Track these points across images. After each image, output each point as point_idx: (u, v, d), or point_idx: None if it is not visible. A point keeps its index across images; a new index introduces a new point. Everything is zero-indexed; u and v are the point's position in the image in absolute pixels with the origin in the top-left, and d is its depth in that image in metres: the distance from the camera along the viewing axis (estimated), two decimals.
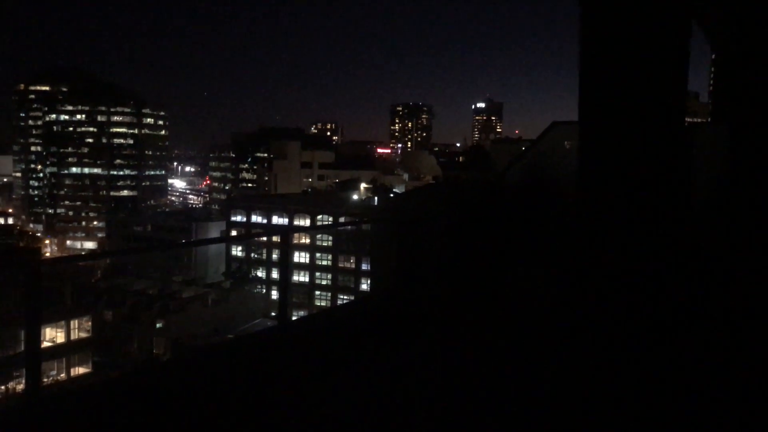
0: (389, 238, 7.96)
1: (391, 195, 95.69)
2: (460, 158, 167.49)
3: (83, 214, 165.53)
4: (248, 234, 36.55)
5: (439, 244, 7.55)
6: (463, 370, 5.74)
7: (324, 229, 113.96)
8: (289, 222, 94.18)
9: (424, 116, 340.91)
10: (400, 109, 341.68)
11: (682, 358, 5.98)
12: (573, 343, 6.28)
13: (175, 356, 52.79)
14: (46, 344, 45.96)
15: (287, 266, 7.05)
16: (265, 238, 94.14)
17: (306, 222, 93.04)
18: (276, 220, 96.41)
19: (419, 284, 7.65)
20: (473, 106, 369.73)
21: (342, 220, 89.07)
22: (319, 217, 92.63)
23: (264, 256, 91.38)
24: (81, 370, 52.06)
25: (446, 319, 7.16)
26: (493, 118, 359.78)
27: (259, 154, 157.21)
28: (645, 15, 6.72)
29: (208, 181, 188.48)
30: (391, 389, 5.30)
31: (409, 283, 7.72)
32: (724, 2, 11.16)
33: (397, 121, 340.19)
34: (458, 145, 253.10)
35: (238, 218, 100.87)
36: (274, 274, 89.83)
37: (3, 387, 46.27)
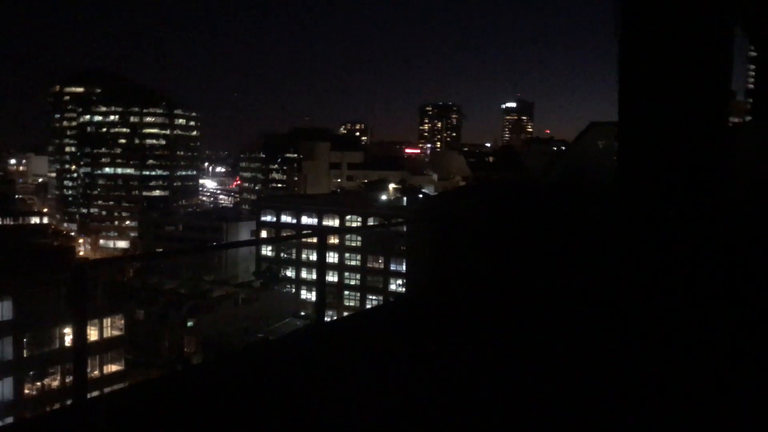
0: (425, 240, 7.94)
1: (422, 195, 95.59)
2: (490, 158, 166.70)
3: (116, 214, 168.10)
4: (283, 236, 36.96)
5: (477, 246, 7.50)
6: (499, 374, 5.70)
7: (360, 229, 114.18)
8: (318, 222, 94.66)
9: (453, 116, 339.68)
10: (430, 109, 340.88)
11: (726, 363, 5.86)
12: (612, 346, 6.19)
13: (207, 356, 53.42)
14: None
15: (324, 267, 7.05)
16: (294, 239, 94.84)
17: (335, 222, 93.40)
18: (305, 220, 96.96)
19: (456, 286, 7.61)
20: (503, 106, 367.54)
21: (371, 220, 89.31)
22: (348, 217, 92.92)
23: (293, 256, 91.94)
24: (114, 368, 52.90)
25: (483, 321, 7.11)
26: (524, 117, 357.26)
27: (288, 155, 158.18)
28: (687, 13, 6.59)
29: (239, 182, 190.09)
30: (427, 391, 5.28)
31: (446, 285, 7.69)
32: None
33: (426, 121, 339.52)
34: (488, 145, 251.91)
35: (268, 218, 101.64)
36: (304, 274, 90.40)
37: (39, 383, 47.19)
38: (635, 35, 6.70)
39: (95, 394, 5.43)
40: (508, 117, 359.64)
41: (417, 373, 5.67)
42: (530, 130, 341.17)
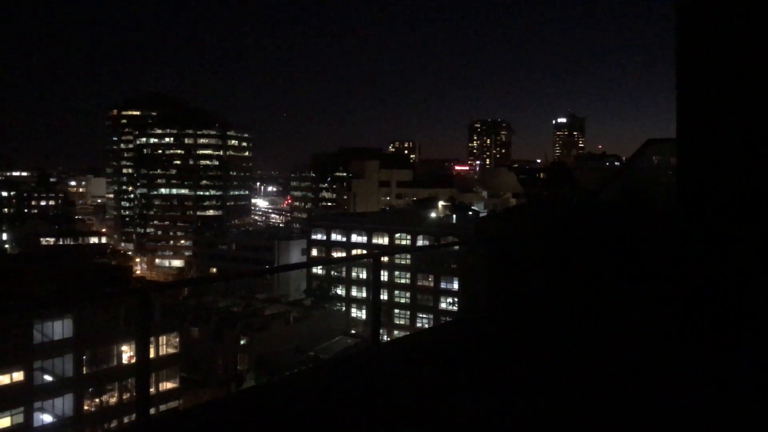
0: (480, 262, 7.86)
1: (471, 212, 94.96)
2: (541, 175, 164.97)
3: (171, 234, 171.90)
4: (338, 258, 37.05)
5: (534, 269, 7.39)
6: (558, 398, 5.57)
7: (414, 250, 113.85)
8: (368, 240, 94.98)
9: (503, 132, 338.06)
10: (479, 125, 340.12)
11: None
12: (674, 366, 6.01)
13: (262, 374, 53.87)
14: None
15: (378, 288, 7.06)
16: (344, 255, 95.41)
17: (385, 240, 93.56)
18: (355, 238, 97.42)
19: (512, 309, 7.51)
20: (554, 121, 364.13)
21: (420, 238, 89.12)
22: (398, 235, 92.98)
23: (344, 274, 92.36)
24: (169, 385, 53.76)
25: (541, 347, 6.99)
26: (575, 133, 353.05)
27: (338, 174, 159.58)
28: (748, 27, 6.42)
29: (290, 201, 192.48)
30: (487, 417, 5.20)
31: (501, 308, 7.59)
32: None
33: (475, 137, 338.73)
34: (539, 161, 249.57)
35: (319, 236, 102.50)
36: (354, 292, 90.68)
37: (98, 399, 48.27)
38: (694, 48, 6.55)
39: (152, 411, 5.53)
40: (558, 132, 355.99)
41: (471, 401, 5.59)
42: (582, 145, 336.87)
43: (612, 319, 7.06)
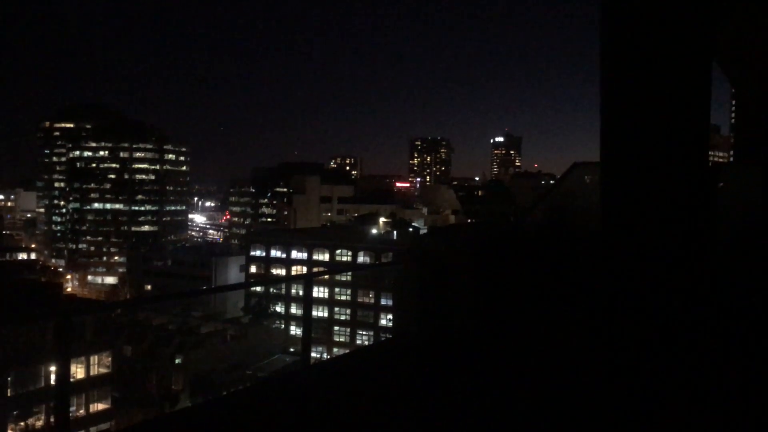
0: (411, 277, 7.95)
1: (411, 230, 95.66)
2: (479, 192, 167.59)
3: (104, 249, 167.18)
4: (270, 277, 36.73)
5: (463, 286, 7.52)
6: (488, 414, 5.68)
7: (346, 269, 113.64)
8: (308, 256, 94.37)
9: (443, 150, 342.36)
10: (419, 143, 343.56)
11: (706, 406, 5.87)
12: (601, 384, 6.19)
13: (195, 396, 52.72)
14: None
15: (310, 312, 7.05)
16: (283, 273, 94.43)
17: (325, 256, 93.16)
18: (295, 254, 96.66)
19: (442, 327, 7.61)
20: (492, 140, 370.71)
21: (361, 254, 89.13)
22: (339, 251, 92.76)
23: (283, 291, 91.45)
24: (100, 406, 52.09)
25: (471, 361, 7.10)
26: (512, 152, 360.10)
27: (278, 189, 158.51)
28: (666, 55, 6.72)
29: (228, 216, 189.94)
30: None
31: (432, 326, 7.68)
32: (742, 44, 11.18)
33: (416, 155, 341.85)
34: (477, 179, 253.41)
35: (258, 252, 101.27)
36: (293, 309, 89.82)
37: (23, 423, 46.34)
38: (615, 72, 6.82)
39: None
40: (496, 151, 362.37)
41: (404, 414, 5.65)
42: (518, 164, 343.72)
43: (537, 336, 7.24)
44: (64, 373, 4.62)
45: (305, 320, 6.84)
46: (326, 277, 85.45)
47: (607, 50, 6.88)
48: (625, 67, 6.80)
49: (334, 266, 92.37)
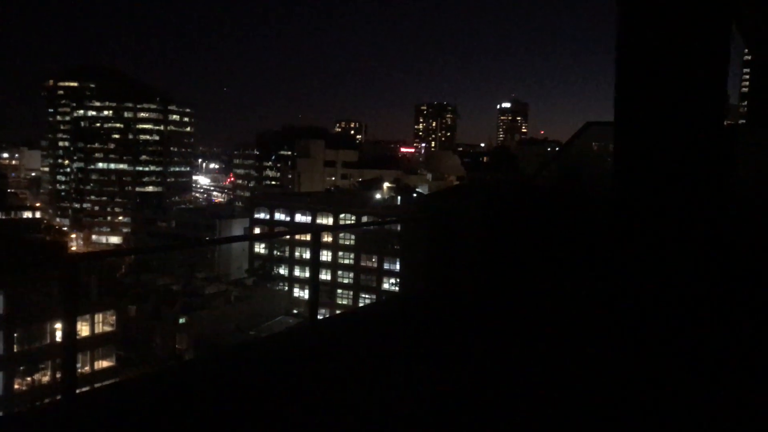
0: (420, 238, 7.89)
1: (416, 194, 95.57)
2: (485, 159, 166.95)
3: (109, 209, 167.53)
4: (276, 232, 36.53)
5: (471, 245, 7.46)
6: (494, 374, 5.66)
7: (354, 227, 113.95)
8: (312, 220, 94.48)
9: (448, 116, 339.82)
10: (425, 108, 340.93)
11: (727, 365, 5.83)
12: (610, 348, 6.16)
13: (200, 354, 53.25)
14: None
15: (317, 265, 7.00)
16: (288, 236, 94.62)
17: (329, 221, 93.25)
18: (299, 218, 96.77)
19: (450, 285, 7.57)
20: (498, 106, 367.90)
21: (365, 219, 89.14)
22: (342, 215, 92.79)
23: (287, 254, 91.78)
24: (105, 364, 52.65)
25: (478, 321, 7.07)
26: (518, 118, 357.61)
27: (283, 153, 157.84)
28: (685, 15, 6.56)
29: (232, 179, 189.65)
30: (421, 391, 5.23)
31: (440, 284, 7.65)
32: (763, 5, 10.93)
33: (421, 120, 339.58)
34: (483, 145, 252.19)
35: (262, 215, 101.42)
36: (297, 272, 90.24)
37: (30, 378, 46.94)
38: (632, 36, 6.67)
39: (85, 389, 5.36)
40: (502, 117, 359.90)
41: (410, 372, 5.63)
42: (525, 130, 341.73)
43: (543, 294, 7.19)
44: (70, 327, 4.59)
45: (312, 273, 6.80)
46: (330, 240, 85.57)
47: (624, 12, 6.72)
48: (643, 26, 6.64)
49: (340, 226, 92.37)
